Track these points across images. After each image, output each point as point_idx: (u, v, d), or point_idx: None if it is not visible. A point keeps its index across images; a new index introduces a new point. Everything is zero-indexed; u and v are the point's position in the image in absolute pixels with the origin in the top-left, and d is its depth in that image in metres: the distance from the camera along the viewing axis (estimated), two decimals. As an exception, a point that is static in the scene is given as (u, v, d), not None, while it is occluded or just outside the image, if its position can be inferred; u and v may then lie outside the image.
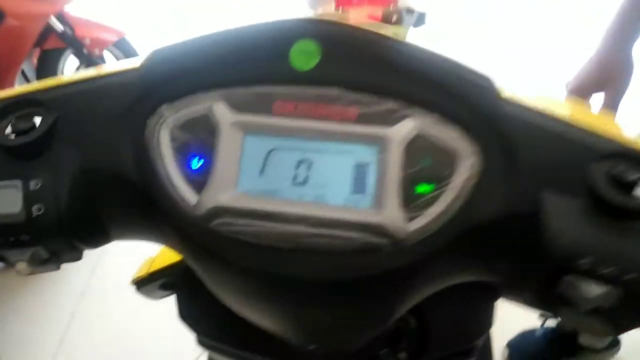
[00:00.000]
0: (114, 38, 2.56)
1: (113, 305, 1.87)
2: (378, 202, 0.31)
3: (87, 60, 2.47)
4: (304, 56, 0.33)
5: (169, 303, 0.61)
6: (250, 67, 0.34)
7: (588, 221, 0.30)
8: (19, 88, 0.38)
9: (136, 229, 0.38)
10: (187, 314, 0.60)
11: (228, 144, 0.33)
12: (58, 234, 0.34)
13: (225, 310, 0.59)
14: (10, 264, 0.36)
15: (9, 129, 0.35)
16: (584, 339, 1.59)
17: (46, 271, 0.37)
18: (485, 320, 0.59)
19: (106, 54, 2.60)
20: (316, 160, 0.33)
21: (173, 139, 0.34)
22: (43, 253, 0.35)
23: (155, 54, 0.36)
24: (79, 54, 2.46)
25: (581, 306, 0.30)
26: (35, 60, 2.50)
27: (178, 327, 0.58)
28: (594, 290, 0.29)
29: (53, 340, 1.76)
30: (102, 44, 2.51)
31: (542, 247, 0.30)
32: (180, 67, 0.35)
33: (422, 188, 0.32)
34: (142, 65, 0.36)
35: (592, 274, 0.29)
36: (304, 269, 0.32)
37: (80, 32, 2.42)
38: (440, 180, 0.31)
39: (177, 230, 0.34)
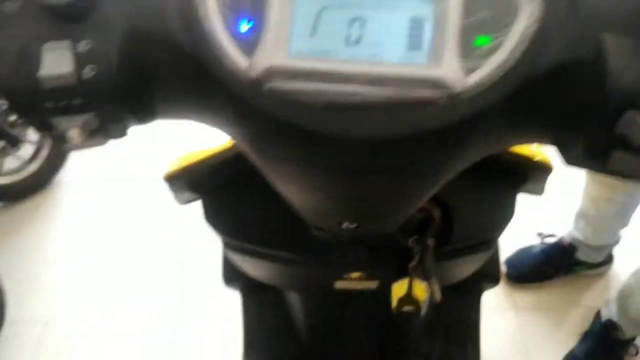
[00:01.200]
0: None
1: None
2: (435, 56, 0.31)
3: None
4: None
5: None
6: None
7: None
8: None
9: (185, 102, 0.38)
10: (213, 217, 0.61)
11: (278, 3, 0.32)
12: (109, 99, 0.33)
13: (252, 210, 0.60)
14: (59, 136, 0.36)
15: None
16: (582, 253, 1.67)
17: (94, 145, 0.36)
18: (506, 211, 0.61)
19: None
20: (369, 18, 0.32)
21: (220, 0, 0.33)
22: (94, 121, 0.34)
23: None
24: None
25: (636, 142, 0.30)
26: None
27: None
28: None
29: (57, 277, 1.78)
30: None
31: (603, 89, 0.31)
32: None
33: (482, 39, 0.31)
34: None
35: None
36: (359, 127, 0.32)
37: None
38: (500, 28, 0.31)
39: (229, 96, 0.34)
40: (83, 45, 0.32)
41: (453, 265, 0.62)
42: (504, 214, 0.61)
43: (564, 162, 0.36)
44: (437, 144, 0.34)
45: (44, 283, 1.75)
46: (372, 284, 0.62)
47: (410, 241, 0.55)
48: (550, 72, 0.32)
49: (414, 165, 0.36)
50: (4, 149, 1.88)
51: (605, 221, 1.53)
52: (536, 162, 0.56)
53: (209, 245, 0.63)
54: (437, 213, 0.56)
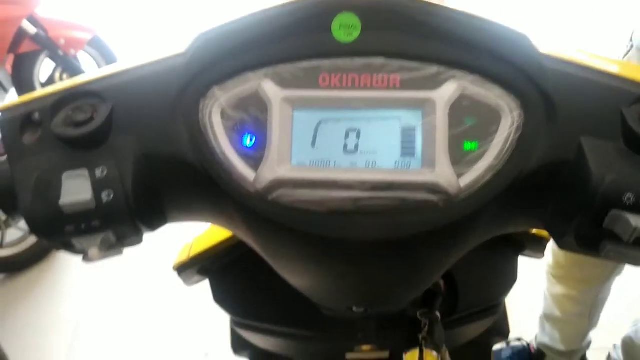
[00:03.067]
0: (88, 36, 2.51)
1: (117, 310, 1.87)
2: (428, 162, 0.33)
3: (64, 61, 2.43)
4: (346, 29, 0.35)
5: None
6: (294, 44, 0.35)
7: (627, 160, 0.32)
8: (71, 80, 0.38)
9: (194, 209, 0.40)
10: (221, 297, 0.62)
11: (279, 119, 0.34)
12: (126, 217, 0.35)
13: (259, 289, 0.61)
14: (77, 252, 0.37)
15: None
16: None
17: (111, 256, 0.38)
18: (509, 276, 0.62)
19: (81, 55, 2.55)
20: (364, 128, 0.34)
21: (225, 119, 0.35)
22: (111, 238, 0.36)
23: (200, 37, 0.36)
24: (54, 55, 2.41)
25: (626, 237, 0.32)
26: (9, 67, 2.44)
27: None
28: (638, 220, 0.31)
29: (61, 346, 1.76)
30: (78, 44, 2.47)
31: (587, 189, 0.32)
32: (226, 48, 0.36)
33: (469, 145, 0.33)
34: (188, 50, 0.37)
35: (635, 207, 0.32)
36: (363, 231, 0.34)
37: (53, 33, 2.37)
38: (485, 136, 0.33)
39: (238, 206, 0.35)
40: (100, 172, 0.34)
41: (462, 330, 0.63)
42: (507, 278, 0.62)
43: (558, 246, 0.38)
44: (436, 242, 0.36)
45: (47, 353, 1.73)
46: (384, 354, 0.62)
47: (418, 314, 0.56)
48: (537, 172, 0.34)
49: (417, 261, 0.38)
50: (5, 221, 1.89)
51: (573, 322, 1.40)
52: (533, 234, 0.57)
53: (218, 312, 0.64)
54: (443, 284, 0.57)
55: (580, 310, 1.36)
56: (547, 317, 1.45)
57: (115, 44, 2.73)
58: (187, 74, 0.36)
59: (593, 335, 1.46)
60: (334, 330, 0.58)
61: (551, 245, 1.32)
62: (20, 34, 2.26)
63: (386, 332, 0.58)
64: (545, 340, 1.49)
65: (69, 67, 2.45)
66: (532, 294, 1.48)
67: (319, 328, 0.58)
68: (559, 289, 1.36)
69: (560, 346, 1.46)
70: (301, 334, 0.60)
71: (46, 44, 2.36)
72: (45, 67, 2.49)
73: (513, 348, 1.59)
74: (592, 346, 1.50)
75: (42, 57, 2.44)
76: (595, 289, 1.31)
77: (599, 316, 1.41)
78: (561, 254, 1.31)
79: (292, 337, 0.61)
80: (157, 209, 0.38)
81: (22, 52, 2.36)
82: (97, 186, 0.34)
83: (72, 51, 2.44)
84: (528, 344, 1.57)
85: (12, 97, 2.50)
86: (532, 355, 1.55)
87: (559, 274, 1.34)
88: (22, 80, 2.44)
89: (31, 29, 2.29)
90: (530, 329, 1.56)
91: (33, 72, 2.44)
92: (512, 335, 1.55)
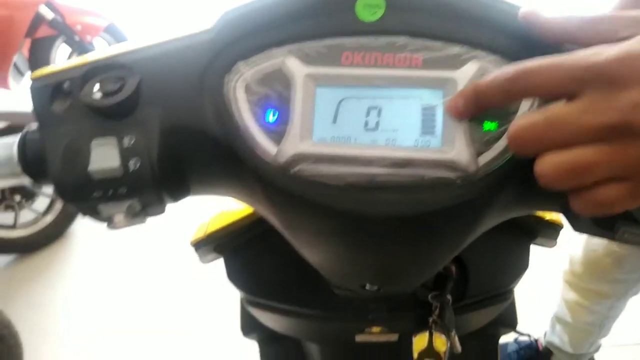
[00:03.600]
0: (104, 23, 2.54)
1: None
2: (448, 141, 0.34)
3: (80, 47, 2.45)
4: (370, 9, 0.35)
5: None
6: (318, 22, 0.36)
7: None
8: (99, 53, 0.39)
9: (216, 182, 0.41)
10: (234, 275, 0.63)
11: (302, 95, 0.35)
12: (151, 186, 0.36)
13: (273, 268, 0.62)
14: (103, 219, 0.38)
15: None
16: None
17: (135, 224, 0.39)
18: (520, 263, 0.63)
19: (97, 41, 2.57)
20: (385, 106, 0.35)
21: (249, 94, 0.36)
22: (137, 205, 0.37)
23: (226, 14, 0.37)
24: (70, 41, 2.44)
25: None
26: (26, 52, 2.47)
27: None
28: None
29: (70, 327, 1.78)
30: (94, 30, 2.49)
31: None
32: (251, 25, 0.36)
33: (489, 125, 0.34)
34: (214, 26, 0.38)
35: None
36: (380, 206, 0.35)
37: (70, 19, 2.39)
38: (505, 116, 0.34)
39: (260, 179, 0.36)
40: (127, 141, 0.36)
41: (471, 316, 0.64)
42: (518, 265, 0.62)
43: (573, 228, 0.38)
44: (453, 219, 0.36)
45: (56, 333, 1.76)
46: (393, 337, 0.63)
47: (429, 297, 0.57)
48: None
49: (433, 238, 0.39)
50: (19, 202, 1.92)
51: (583, 330, 1.40)
52: (546, 220, 0.58)
53: (224, 292, 0.65)
54: (454, 269, 0.58)
55: (592, 320, 1.36)
56: (558, 319, 1.45)
57: (130, 32, 2.75)
58: (213, 49, 0.37)
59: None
60: (344, 310, 0.59)
61: (569, 252, 1.33)
62: (38, 19, 2.29)
63: (396, 315, 0.59)
64: (555, 340, 1.49)
65: (85, 52, 2.45)
66: (543, 291, 1.48)
67: (330, 308, 0.59)
68: (573, 296, 1.36)
69: (568, 348, 1.46)
70: (312, 314, 0.60)
71: (63, 30, 2.38)
72: (61, 52, 2.51)
73: (520, 343, 1.59)
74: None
75: (58, 42, 2.47)
76: (609, 303, 1.31)
77: (610, 326, 1.40)
78: (579, 263, 1.31)
79: (303, 317, 0.62)
80: (180, 180, 0.39)
81: (39, 37, 2.39)
82: (125, 154, 0.35)
83: (88, 37, 2.47)
84: (536, 340, 1.57)
85: (28, 82, 2.52)
86: (539, 352, 1.55)
87: (574, 282, 1.34)
88: (39, 64, 2.46)
89: (48, 14, 2.31)
90: (540, 326, 1.56)
91: (49, 57, 2.47)
92: (522, 330, 1.58)
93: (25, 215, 1.99)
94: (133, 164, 0.35)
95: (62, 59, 2.50)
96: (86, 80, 0.38)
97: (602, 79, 0.27)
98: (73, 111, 0.37)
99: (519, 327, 1.60)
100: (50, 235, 2.06)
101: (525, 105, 0.34)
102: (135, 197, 0.37)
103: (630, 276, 1.23)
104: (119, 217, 0.36)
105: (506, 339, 1.62)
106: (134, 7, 3.75)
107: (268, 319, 0.68)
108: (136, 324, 1.77)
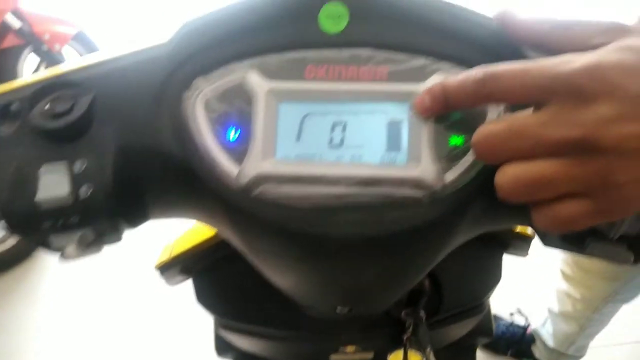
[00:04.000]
0: (72, 31, 2.48)
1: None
2: (413, 157, 0.33)
3: (48, 56, 2.39)
4: (333, 19, 0.34)
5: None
6: (280, 33, 0.35)
7: None
8: (51, 71, 0.37)
9: (176, 205, 0.39)
10: (203, 297, 0.61)
11: (264, 112, 0.34)
12: (105, 214, 0.34)
13: (243, 290, 0.60)
14: (54, 250, 0.36)
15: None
16: (537, 349, 1.58)
17: (89, 255, 0.37)
18: (494, 275, 0.62)
19: (66, 50, 2.52)
20: (350, 122, 0.34)
21: (209, 111, 0.34)
22: (90, 235, 0.35)
23: (184, 27, 0.36)
24: (38, 50, 2.37)
25: (611, 233, 0.32)
26: (-8, 61, 2.40)
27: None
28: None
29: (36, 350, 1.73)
30: (62, 39, 2.43)
31: None
32: (211, 38, 0.35)
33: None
34: (172, 39, 0.36)
35: None
36: (347, 227, 0.34)
37: (38, 27, 2.33)
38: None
39: (221, 201, 0.35)
40: (78, 166, 0.34)
41: (447, 330, 0.63)
42: (492, 277, 0.62)
43: (542, 243, 0.38)
44: (423, 238, 0.35)
45: (25, 357, 1.70)
46: (368, 355, 0.62)
47: (402, 314, 0.56)
48: None
49: (403, 258, 0.38)
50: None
51: (565, 322, 1.43)
52: (516, 233, 0.57)
53: (200, 314, 0.63)
54: (427, 284, 0.57)
55: (574, 314, 1.38)
56: (549, 309, 1.49)
57: (100, 40, 2.69)
58: (170, 63, 0.35)
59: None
60: (317, 331, 0.57)
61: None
62: (4, 28, 2.22)
63: (370, 333, 0.58)
64: (541, 330, 1.53)
65: (54, 62, 2.41)
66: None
67: (303, 329, 0.58)
68: (564, 286, 1.39)
69: (549, 341, 1.49)
70: (285, 335, 0.59)
71: (30, 39, 2.32)
72: (29, 62, 2.45)
73: (512, 320, 1.64)
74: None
75: (26, 51, 2.40)
76: (595, 302, 1.32)
77: (592, 332, 1.42)
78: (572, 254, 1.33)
79: (276, 339, 0.60)
80: (137, 205, 0.37)
81: (6, 47, 2.32)
82: (76, 181, 0.33)
83: (57, 46, 2.41)
84: (528, 325, 1.61)
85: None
86: (525, 335, 1.59)
87: (566, 272, 1.37)
88: (6, 74, 2.39)
89: (15, 23, 2.24)
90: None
91: (17, 67, 2.39)
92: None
93: (-7, 231, 1.92)
94: (85, 191, 0.33)
95: (30, 68, 2.43)
96: (35, 101, 0.36)
97: (569, 90, 0.26)
98: (21, 134, 0.35)
99: (522, 307, 1.59)
100: (18, 255, 1.98)
101: (492, 115, 0.33)
102: (88, 227, 0.35)
103: (622, 275, 1.24)
104: (70, 249, 0.34)
105: (504, 313, 1.67)
106: (105, 14, 3.69)
107: (241, 341, 0.66)
108: (107, 347, 1.73)
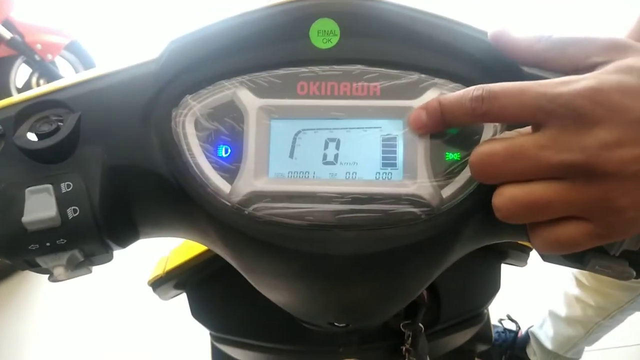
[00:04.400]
0: (65, 41, 2.47)
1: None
2: (409, 173, 0.32)
3: (40, 67, 2.38)
4: (324, 35, 0.34)
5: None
6: (271, 50, 0.34)
7: None
8: (36, 90, 0.36)
9: (167, 224, 0.38)
10: (199, 312, 0.60)
11: (256, 129, 0.33)
12: (93, 234, 0.33)
13: (238, 303, 0.60)
14: (43, 272, 0.35)
15: (30, 132, 0.34)
16: (531, 352, 1.58)
17: (79, 275, 0.36)
18: (492, 284, 0.62)
19: (59, 60, 2.51)
20: (344, 138, 0.33)
21: (199, 129, 0.34)
22: (78, 256, 0.34)
23: (173, 43, 0.35)
24: (30, 61, 2.37)
25: (613, 250, 0.31)
26: (-17, 72, 2.39)
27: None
28: None
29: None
30: (55, 49, 2.42)
31: None
32: (200, 55, 0.34)
33: (451, 155, 0.33)
34: (160, 56, 0.35)
35: None
36: (343, 245, 0.33)
37: (30, 38, 2.32)
38: (467, 146, 0.32)
39: (213, 220, 0.34)
40: (65, 187, 0.33)
41: (446, 340, 0.62)
42: (491, 287, 0.61)
43: (542, 259, 0.37)
44: (420, 254, 0.35)
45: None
46: None
47: (401, 325, 0.55)
48: None
49: (400, 274, 0.37)
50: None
51: (571, 326, 1.41)
52: (515, 243, 0.57)
53: (196, 325, 0.62)
54: (425, 295, 0.57)
55: (582, 318, 1.37)
56: (551, 313, 1.47)
57: (93, 49, 2.68)
58: (158, 81, 0.34)
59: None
60: (315, 344, 0.56)
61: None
62: (-5, 39, 2.21)
63: (368, 345, 0.57)
64: (538, 332, 1.51)
65: (46, 72, 2.41)
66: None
67: (300, 342, 0.57)
68: (576, 292, 1.36)
69: (547, 344, 1.48)
70: (282, 349, 0.58)
71: (22, 49, 2.31)
72: (21, 73, 2.44)
73: (503, 324, 1.63)
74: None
75: (18, 62, 2.39)
76: (607, 309, 1.31)
77: (596, 337, 1.41)
78: None
79: (273, 352, 0.59)
80: (127, 225, 0.37)
81: (-2, 57, 2.31)
82: (62, 202, 0.32)
83: (49, 56, 2.40)
84: (519, 330, 1.59)
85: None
86: (517, 339, 1.57)
87: (580, 279, 1.34)
88: (-2, 85, 2.39)
89: (6, 34, 2.24)
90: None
91: (9, 78, 2.38)
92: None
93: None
94: (72, 212, 0.32)
95: (22, 79, 2.42)
96: (20, 121, 0.35)
97: (568, 112, 0.26)
98: (6, 155, 0.34)
99: (511, 313, 1.60)
100: (12, 265, 1.96)
101: (488, 132, 0.33)
102: (77, 248, 0.34)
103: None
104: (59, 271, 0.33)
105: (494, 320, 1.64)
106: (99, 23, 3.68)
107: (238, 354, 0.65)
108: (104, 356, 1.71)
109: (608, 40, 0.29)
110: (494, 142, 0.29)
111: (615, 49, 0.28)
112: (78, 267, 0.35)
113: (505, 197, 0.28)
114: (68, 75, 0.39)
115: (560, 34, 0.31)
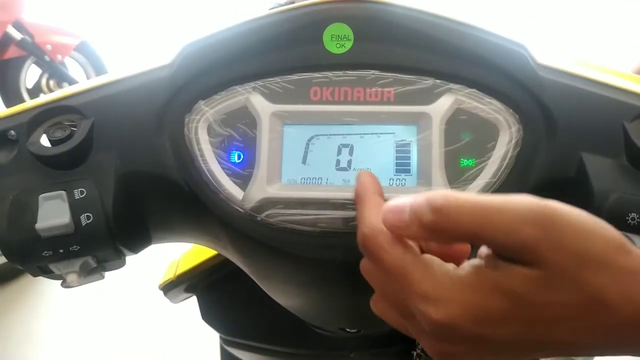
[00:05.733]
0: (74, 42, 2.48)
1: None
2: (423, 179, 0.32)
3: (50, 67, 2.39)
4: (337, 40, 0.33)
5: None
6: (284, 56, 0.34)
7: (630, 178, 0.31)
8: (48, 96, 0.36)
9: (179, 230, 0.38)
10: (209, 315, 0.60)
11: (269, 135, 0.33)
12: (107, 241, 0.33)
13: (248, 307, 0.59)
14: (56, 278, 0.35)
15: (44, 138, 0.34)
16: None
17: (92, 281, 0.36)
18: None
19: (68, 61, 2.52)
20: (357, 144, 0.33)
21: (212, 135, 0.34)
22: (91, 262, 0.34)
23: (185, 48, 0.35)
24: (40, 61, 2.38)
25: None
26: (-6, 73, 2.41)
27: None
28: None
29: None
30: (64, 50, 2.43)
31: (588, 208, 0.31)
32: (212, 60, 0.34)
33: (466, 162, 0.32)
34: (173, 62, 0.35)
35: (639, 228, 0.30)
36: (358, 252, 0.33)
37: (40, 38, 2.34)
38: (483, 152, 0.32)
39: (225, 226, 0.34)
40: (78, 193, 0.33)
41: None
42: None
43: None
44: None
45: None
46: None
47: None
48: (536, 190, 0.33)
49: None
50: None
51: None
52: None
53: (206, 327, 0.62)
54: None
55: None
56: None
57: (103, 50, 2.70)
58: (171, 87, 0.34)
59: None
60: (325, 349, 0.56)
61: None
62: (6, 40, 2.23)
63: (379, 350, 0.56)
64: None
65: (56, 73, 2.42)
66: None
67: (311, 347, 0.57)
68: None
69: None
70: (292, 353, 0.58)
71: (32, 50, 2.32)
72: (31, 73, 2.45)
73: None
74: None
75: (28, 63, 2.41)
76: None
77: None
78: None
79: (283, 356, 0.59)
80: (140, 231, 0.36)
81: (8, 58, 2.32)
82: (76, 208, 0.32)
83: (59, 57, 2.41)
84: None
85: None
86: None
87: None
88: (8, 86, 2.40)
89: (17, 35, 2.25)
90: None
91: (19, 79, 2.40)
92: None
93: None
94: (85, 219, 0.32)
95: (32, 79, 2.44)
96: (34, 127, 0.35)
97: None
98: (19, 162, 0.34)
99: None
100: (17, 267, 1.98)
101: (503, 139, 0.32)
102: (90, 254, 0.34)
103: None
104: (72, 277, 0.33)
105: None
106: (109, 24, 3.70)
107: (248, 357, 0.65)
108: (113, 356, 1.72)
109: (535, 213, 0.24)
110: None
111: (543, 225, 0.23)
112: (91, 273, 0.35)
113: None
114: (78, 77, 0.39)
115: (492, 200, 0.25)
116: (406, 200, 0.25)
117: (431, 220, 0.24)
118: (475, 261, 0.25)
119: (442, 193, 0.24)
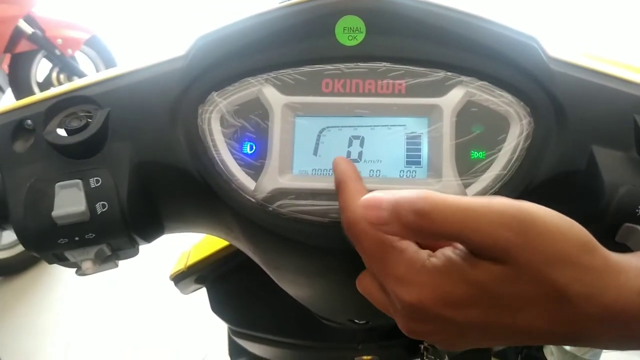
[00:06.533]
0: (85, 36, 2.49)
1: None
2: (434, 171, 0.32)
3: (61, 61, 2.41)
4: (350, 32, 0.34)
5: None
6: (296, 48, 0.34)
7: None
8: (65, 86, 0.37)
9: (192, 219, 0.38)
10: (218, 307, 0.61)
11: (280, 126, 0.33)
12: (121, 229, 0.34)
13: (257, 298, 0.60)
14: (71, 265, 0.36)
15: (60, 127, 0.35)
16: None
17: (106, 270, 0.37)
18: None
19: (78, 55, 2.53)
20: (368, 136, 0.33)
21: (225, 126, 0.34)
22: (106, 250, 0.35)
23: (199, 40, 0.35)
24: (51, 55, 2.40)
25: None
26: (5, 67, 2.43)
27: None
28: None
29: (56, 351, 1.74)
30: (75, 44, 2.45)
31: (598, 200, 0.31)
32: (225, 52, 0.35)
33: (476, 154, 0.32)
34: (187, 53, 0.36)
35: None
36: None
37: (50, 33, 2.35)
38: (493, 144, 0.32)
39: (237, 216, 0.34)
40: (94, 182, 0.33)
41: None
42: None
43: None
44: None
45: (42, 358, 1.71)
46: None
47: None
48: (546, 183, 0.33)
49: None
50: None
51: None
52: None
53: (214, 318, 0.62)
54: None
55: None
56: None
57: (113, 44, 2.71)
58: (185, 78, 0.35)
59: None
60: (333, 340, 0.57)
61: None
62: (17, 34, 2.24)
63: (387, 343, 0.57)
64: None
65: (66, 67, 2.44)
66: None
67: (319, 338, 0.57)
68: None
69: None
70: (300, 344, 0.59)
71: (43, 44, 2.34)
72: (42, 67, 2.47)
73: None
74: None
75: (39, 57, 2.42)
76: None
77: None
78: None
79: (291, 347, 0.60)
80: (153, 220, 0.37)
81: (19, 52, 2.34)
82: (91, 197, 0.33)
83: (70, 51, 2.43)
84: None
85: (8, 98, 2.48)
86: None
87: None
88: (19, 80, 2.42)
89: (28, 29, 2.27)
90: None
91: (30, 72, 2.42)
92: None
93: (8, 236, 1.94)
94: (100, 207, 0.33)
95: (42, 73, 2.45)
96: (50, 117, 0.36)
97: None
98: (36, 151, 0.35)
99: None
100: (31, 258, 2.00)
101: (514, 131, 0.32)
102: (104, 242, 0.34)
103: None
104: (87, 264, 0.34)
105: None
106: (119, 18, 3.71)
107: (256, 349, 0.66)
108: (122, 348, 1.73)
109: (509, 217, 0.25)
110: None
111: (519, 229, 0.24)
112: (105, 261, 0.36)
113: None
114: (88, 71, 0.39)
115: (474, 201, 0.26)
116: (382, 195, 0.27)
117: (413, 221, 0.26)
118: (448, 251, 0.27)
119: (423, 195, 0.26)
